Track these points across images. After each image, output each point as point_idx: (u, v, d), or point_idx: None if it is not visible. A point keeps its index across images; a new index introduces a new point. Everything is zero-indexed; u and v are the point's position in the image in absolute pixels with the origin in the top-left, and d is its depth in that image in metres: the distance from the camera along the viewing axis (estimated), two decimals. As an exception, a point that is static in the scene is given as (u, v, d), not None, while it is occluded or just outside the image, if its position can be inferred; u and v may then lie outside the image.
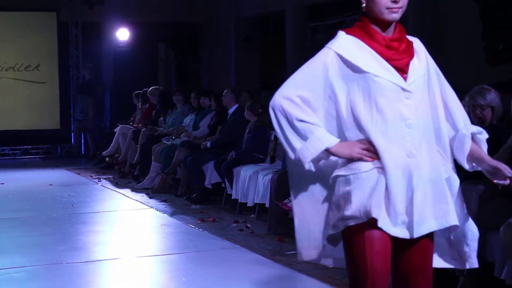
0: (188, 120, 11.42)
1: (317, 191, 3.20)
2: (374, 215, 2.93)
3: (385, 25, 3.05)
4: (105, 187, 11.30)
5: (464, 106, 5.79)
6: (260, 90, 13.70)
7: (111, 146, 13.30)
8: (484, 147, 3.19)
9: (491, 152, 5.26)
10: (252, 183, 8.39)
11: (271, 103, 3.12)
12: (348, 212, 2.98)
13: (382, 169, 2.97)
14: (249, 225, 7.97)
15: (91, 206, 9.53)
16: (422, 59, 3.11)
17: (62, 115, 16.46)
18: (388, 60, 3.02)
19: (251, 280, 5.75)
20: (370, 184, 2.98)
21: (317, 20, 14.26)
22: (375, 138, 2.98)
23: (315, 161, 3.05)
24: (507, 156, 5.19)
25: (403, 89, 3.00)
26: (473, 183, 5.21)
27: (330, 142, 3.01)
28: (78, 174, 12.89)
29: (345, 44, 3.06)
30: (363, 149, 2.99)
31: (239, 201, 8.71)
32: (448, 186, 3.06)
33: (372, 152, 2.99)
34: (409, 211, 2.97)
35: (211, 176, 9.53)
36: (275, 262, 6.33)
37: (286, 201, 7.26)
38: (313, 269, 6.04)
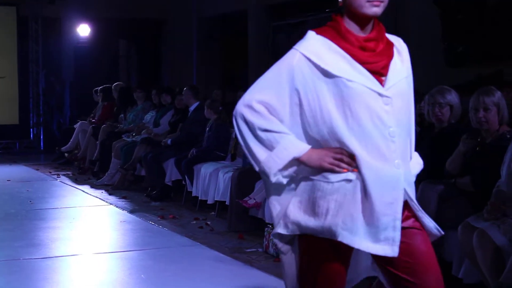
0: (149, 117, 11.38)
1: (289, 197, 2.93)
2: (340, 238, 2.73)
3: (364, 21, 2.80)
4: (64, 183, 11.21)
5: (424, 104, 5.89)
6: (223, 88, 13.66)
7: (70, 142, 13.21)
8: None
9: (448, 150, 5.36)
10: (212, 181, 8.39)
11: (234, 111, 2.89)
12: (310, 223, 2.79)
13: (358, 181, 2.74)
14: (209, 223, 7.97)
15: (49, 202, 9.44)
16: (405, 61, 2.88)
17: (21, 110, 16.30)
18: (362, 63, 2.75)
19: (210, 277, 5.76)
20: (339, 198, 2.75)
21: (279, 20, 14.29)
22: (353, 148, 2.74)
23: (284, 172, 2.81)
24: (460, 160, 5.27)
25: (380, 95, 2.75)
26: (432, 183, 5.28)
27: (299, 151, 2.76)
28: (36, 170, 12.77)
29: (314, 45, 2.80)
30: (336, 159, 2.74)
31: (199, 198, 8.71)
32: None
33: (347, 162, 2.74)
34: (396, 226, 2.76)
35: (171, 173, 9.51)
36: (235, 260, 6.34)
37: (246, 198, 7.28)
38: (272, 266, 6.07)
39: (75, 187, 10.76)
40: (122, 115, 12.30)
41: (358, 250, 2.85)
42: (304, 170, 2.83)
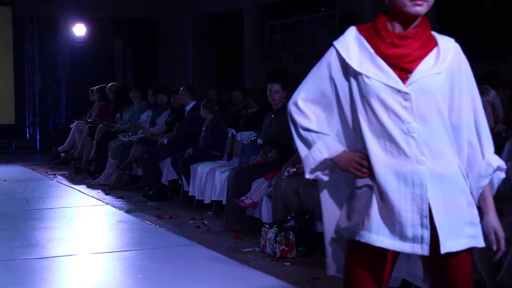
0: (145, 116, 11.37)
1: (336, 197, 3.05)
2: (358, 237, 2.80)
3: (407, 20, 2.81)
4: (61, 183, 11.21)
5: None
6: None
7: (66, 142, 13.20)
8: (493, 190, 2.95)
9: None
10: (209, 180, 8.39)
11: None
12: (344, 225, 2.91)
13: (374, 183, 2.81)
14: (205, 222, 7.97)
15: (46, 202, 9.43)
16: (444, 60, 2.83)
17: (17, 110, 16.29)
18: (387, 58, 2.80)
19: (207, 277, 5.75)
20: (363, 201, 2.83)
21: (274, 19, 14.30)
22: (369, 143, 2.82)
23: (323, 169, 2.95)
24: None
25: (399, 91, 2.77)
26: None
27: (331, 152, 2.90)
28: (33, 169, 12.76)
29: (347, 40, 2.90)
30: (358, 163, 2.85)
31: (196, 198, 8.70)
32: (472, 201, 2.87)
33: (367, 167, 2.83)
34: (423, 223, 2.76)
35: (168, 173, 9.51)
36: (232, 259, 6.34)
37: (243, 198, 7.28)
38: (269, 266, 6.08)
39: (71, 187, 10.75)
40: (118, 114, 12.29)
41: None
42: (345, 176, 2.95)
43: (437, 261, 2.86)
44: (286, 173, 6.72)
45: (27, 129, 16.64)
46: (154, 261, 6.26)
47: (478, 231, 2.84)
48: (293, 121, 2.97)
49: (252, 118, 9.51)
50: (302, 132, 2.95)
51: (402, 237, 2.78)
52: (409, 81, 2.78)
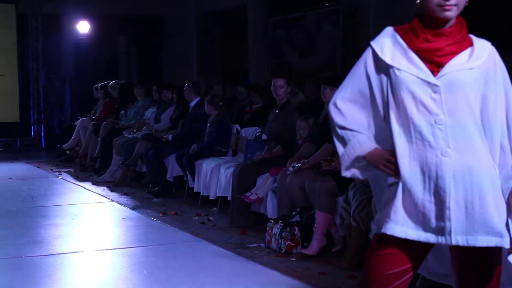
0: (150, 113, 11.37)
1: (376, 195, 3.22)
2: (383, 230, 2.87)
3: (438, 23, 2.89)
4: (66, 180, 11.22)
5: None
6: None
7: (71, 139, 13.21)
8: None
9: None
10: (214, 176, 8.39)
11: None
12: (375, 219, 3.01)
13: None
14: (211, 218, 7.97)
15: (51, 199, 9.44)
16: (478, 58, 2.89)
17: (21, 108, 16.30)
18: (419, 52, 2.88)
19: (213, 273, 5.75)
20: (391, 196, 2.92)
21: (278, 15, 14.29)
22: (395, 135, 2.90)
23: (358, 167, 3.04)
24: None
25: (429, 83, 2.84)
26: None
27: (363, 150, 2.98)
28: (38, 167, 12.77)
29: (383, 39, 2.99)
30: (388, 160, 2.93)
31: (201, 194, 8.70)
32: (503, 199, 2.88)
33: (396, 165, 2.91)
34: (446, 215, 2.82)
35: (172, 169, 9.51)
36: (237, 255, 6.34)
37: (248, 194, 7.28)
38: (275, 262, 6.08)
39: (76, 184, 10.76)
40: (123, 111, 12.29)
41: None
42: (381, 174, 3.04)
43: (462, 256, 2.92)
44: (291, 169, 6.72)
45: (32, 127, 16.66)
46: (159, 258, 6.26)
47: (505, 232, 2.83)
48: (331, 120, 3.06)
49: (257, 114, 9.50)
50: (339, 131, 3.04)
51: (426, 228, 2.85)
52: (439, 74, 2.85)
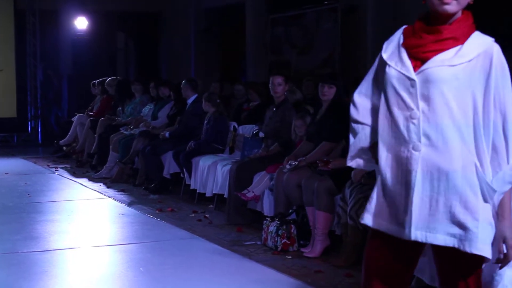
0: (147, 110, 11.37)
1: None
2: (362, 220, 2.97)
3: (440, 18, 2.86)
4: (62, 176, 11.21)
5: None
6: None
7: (68, 135, 13.19)
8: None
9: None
10: (211, 174, 8.38)
11: None
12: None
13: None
14: (207, 215, 7.96)
15: (47, 195, 9.44)
16: (464, 55, 2.82)
17: (19, 103, 16.28)
18: (408, 48, 2.90)
19: (209, 270, 5.75)
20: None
21: (277, 12, 14.28)
22: (380, 129, 2.95)
23: (362, 157, 3.10)
24: None
25: (408, 78, 2.85)
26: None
27: (367, 142, 3.06)
28: (34, 163, 12.76)
29: (393, 37, 3.03)
30: None
31: (197, 191, 8.70)
32: (480, 199, 2.80)
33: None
34: (409, 210, 2.83)
35: (169, 166, 9.51)
36: (234, 253, 6.33)
37: (245, 191, 7.28)
38: (271, 259, 6.07)
39: (73, 180, 10.75)
40: (120, 108, 12.28)
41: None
42: None
43: (440, 257, 2.91)
44: (288, 166, 6.71)
45: (29, 123, 16.64)
46: (155, 254, 6.26)
47: (468, 235, 2.77)
48: (349, 114, 3.15)
49: (254, 111, 9.49)
50: (352, 124, 3.12)
51: (396, 221, 2.87)
52: (419, 69, 2.84)
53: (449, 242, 2.79)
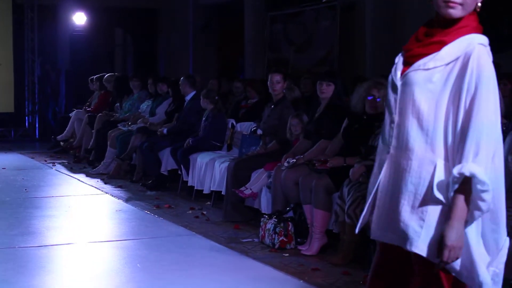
0: (145, 106, 11.36)
1: None
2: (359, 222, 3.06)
3: (445, 21, 2.82)
4: (60, 171, 11.20)
5: None
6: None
7: (66, 131, 13.18)
8: (473, 202, 2.71)
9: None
10: (208, 171, 8.38)
11: None
12: None
13: None
14: (205, 212, 7.96)
15: (45, 190, 9.43)
16: (438, 59, 2.78)
17: (16, 98, 16.27)
18: (404, 52, 2.94)
19: (206, 267, 5.75)
20: None
21: (275, 10, 14.28)
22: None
23: None
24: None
25: (394, 83, 2.90)
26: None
27: None
28: (32, 158, 12.75)
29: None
30: None
31: (195, 188, 8.70)
32: (434, 202, 2.76)
33: None
34: (374, 210, 2.98)
35: (167, 162, 9.50)
36: (231, 250, 6.34)
37: (243, 188, 7.27)
38: (268, 257, 6.08)
39: (70, 176, 10.74)
40: (118, 104, 12.27)
41: None
42: None
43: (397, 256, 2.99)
44: (286, 164, 6.71)
45: (26, 118, 16.62)
46: (152, 251, 6.25)
47: (410, 234, 2.76)
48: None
49: (252, 109, 9.50)
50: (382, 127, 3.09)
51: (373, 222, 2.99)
52: (403, 75, 2.88)
53: (395, 241, 2.83)
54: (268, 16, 14.39)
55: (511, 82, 7.77)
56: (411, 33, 2.98)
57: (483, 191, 2.63)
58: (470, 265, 2.74)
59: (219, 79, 12.25)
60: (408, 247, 2.77)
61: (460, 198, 2.67)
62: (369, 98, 5.97)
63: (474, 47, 2.76)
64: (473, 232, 2.75)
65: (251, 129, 8.58)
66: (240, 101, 10.30)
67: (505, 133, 4.98)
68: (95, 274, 5.60)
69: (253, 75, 13.48)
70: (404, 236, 2.78)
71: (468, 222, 2.70)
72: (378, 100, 5.89)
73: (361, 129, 6.08)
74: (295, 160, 6.68)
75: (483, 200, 2.65)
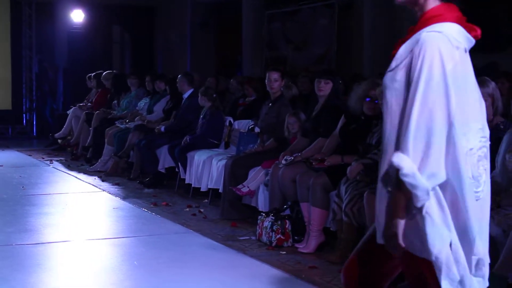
0: (143, 103, 11.36)
1: None
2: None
3: (417, 17, 2.82)
4: (57, 169, 11.19)
5: None
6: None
7: (63, 128, 13.18)
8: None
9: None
10: (206, 168, 8.38)
11: None
12: None
13: None
14: (202, 210, 7.96)
15: (42, 188, 9.42)
16: (395, 59, 2.77)
17: (14, 95, 16.25)
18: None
19: (203, 265, 5.75)
20: None
21: (273, 8, 14.27)
22: None
23: None
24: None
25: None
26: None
27: None
28: (29, 155, 12.74)
29: None
30: None
31: (192, 185, 8.69)
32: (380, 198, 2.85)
33: None
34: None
35: (164, 160, 9.50)
36: (228, 247, 6.34)
37: (240, 186, 7.27)
38: (265, 254, 6.08)
39: (68, 173, 10.74)
40: (116, 101, 12.26)
41: None
42: None
43: None
44: (283, 162, 6.71)
45: (24, 115, 16.60)
46: (150, 248, 6.25)
47: (379, 228, 2.83)
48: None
49: (250, 107, 9.49)
50: None
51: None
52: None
53: (379, 240, 2.83)
54: (266, 14, 14.38)
55: (509, 80, 7.78)
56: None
57: (410, 184, 2.60)
58: (421, 245, 2.71)
59: (217, 77, 12.24)
60: (378, 240, 2.82)
61: (395, 189, 2.67)
62: (367, 100, 5.97)
63: (419, 38, 2.70)
64: (431, 216, 2.69)
65: (249, 127, 8.57)
66: (238, 99, 10.30)
67: (503, 132, 4.97)
68: (92, 272, 5.60)
69: (251, 73, 13.47)
70: (379, 229, 2.83)
71: (414, 208, 2.66)
72: (376, 102, 5.88)
73: (359, 129, 6.08)
74: (292, 158, 6.68)
75: (411, 189, 2.61)
